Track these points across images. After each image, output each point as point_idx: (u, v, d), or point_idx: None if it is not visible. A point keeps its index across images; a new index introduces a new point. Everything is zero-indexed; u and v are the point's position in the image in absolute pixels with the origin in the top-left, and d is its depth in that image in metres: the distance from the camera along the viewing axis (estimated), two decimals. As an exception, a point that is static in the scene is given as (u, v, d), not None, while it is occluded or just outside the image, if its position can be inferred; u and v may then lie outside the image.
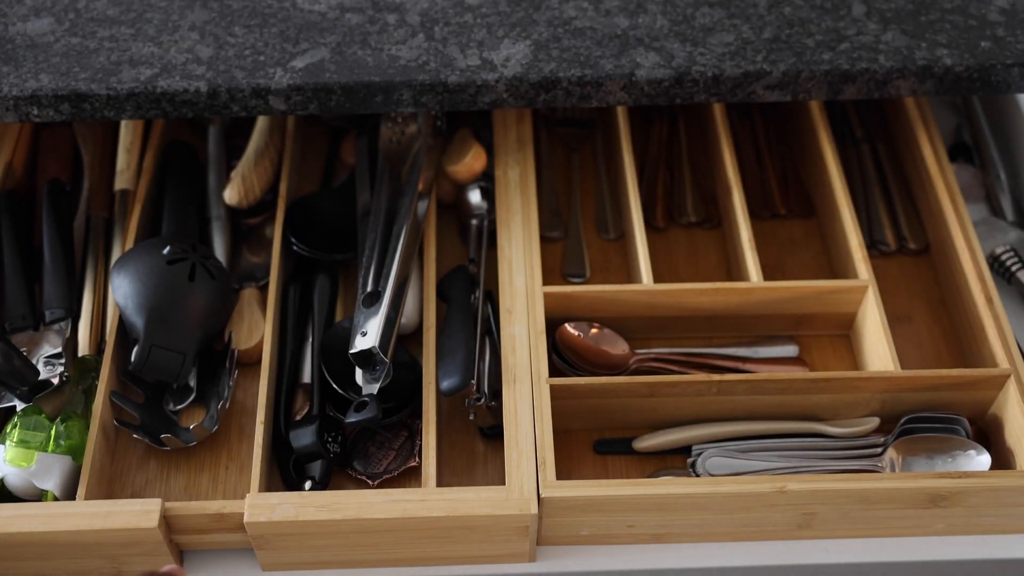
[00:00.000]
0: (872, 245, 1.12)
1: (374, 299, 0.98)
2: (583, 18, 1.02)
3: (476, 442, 0.99)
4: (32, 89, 0.96)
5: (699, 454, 0.95)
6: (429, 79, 0.96)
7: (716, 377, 0.95)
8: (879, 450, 0.95)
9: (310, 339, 1.03)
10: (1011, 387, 0.94)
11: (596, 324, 1.02)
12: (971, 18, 1.02)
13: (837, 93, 0.99)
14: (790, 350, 1.05)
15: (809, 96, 1.00)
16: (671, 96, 0.98)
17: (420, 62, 0.98)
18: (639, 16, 1.01)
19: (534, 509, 0.86)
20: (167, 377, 0.97)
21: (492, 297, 1.05)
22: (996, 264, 1.09)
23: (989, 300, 1.00)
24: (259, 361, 1.02)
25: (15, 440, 0.91)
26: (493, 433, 0.98)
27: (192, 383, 1.00)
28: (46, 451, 0.91)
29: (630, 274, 1.10)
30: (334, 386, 0.97)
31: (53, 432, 0.92)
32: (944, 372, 0.95)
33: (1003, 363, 0.95)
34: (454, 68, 0.97)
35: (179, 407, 0.99)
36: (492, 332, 1.02)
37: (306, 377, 1.01)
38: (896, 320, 1.06)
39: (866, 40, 1.00)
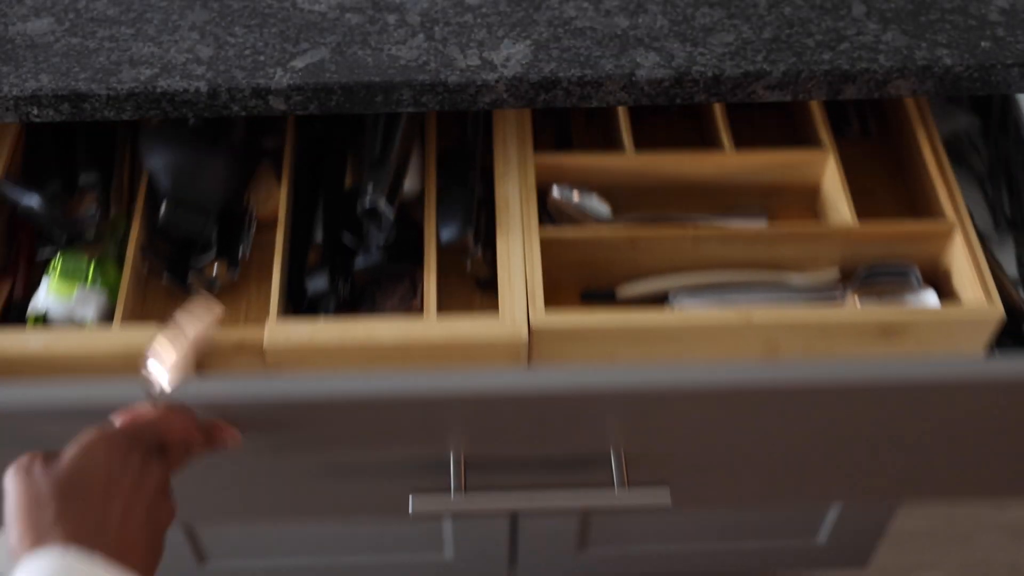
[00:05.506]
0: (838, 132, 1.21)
1: (381, 164, 1.07)
2: (583, 18, 1.02)
3: (472, 292, 1.08)
4: (32, 89, 0.95)
5: (676, 300, 1.05)
6: (429, 79, 0.97)
7: (692, 229, 1.05)
8: (838, 296, 1.05)
9: (321, 206, 1.12)
10: (957, 237, 1.03)
11: (582, 188, 1.11)
12: (971, 18, 1.02)
13: (837, 93, 0.99)
14: (760, 222, 1.14)
15: (809, 96, 0.99)
16: (671, 96, 0.99)
17: (420, 62, 0.98)
18: (639, 16, 1.02)
19: (525, 334, 0.95)
20: (191, 232, 1.06)
21: (487, 169, 1.14)
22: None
23: (940, 166, 1.09)
24: (276, 224, 1.11)
25: (58, 273, 1.01)
26: (488, 284, 1.07)
27: (213, 240, 1.09)
28: (85, 286, 1.01)
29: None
30: (344, 241, 1.06)
31: (91, 270, 1.02)
32: (897, 224, 1.05)
33: (951, 216, 1.05)
34: (454, 68, 0.97)
35: (203, 263, 1.08)
36: (488, 201, 1.11)
37: (319, 240, 1.11)
38: (858, 194, 1.15)
39: (866, 40, 0.99)
